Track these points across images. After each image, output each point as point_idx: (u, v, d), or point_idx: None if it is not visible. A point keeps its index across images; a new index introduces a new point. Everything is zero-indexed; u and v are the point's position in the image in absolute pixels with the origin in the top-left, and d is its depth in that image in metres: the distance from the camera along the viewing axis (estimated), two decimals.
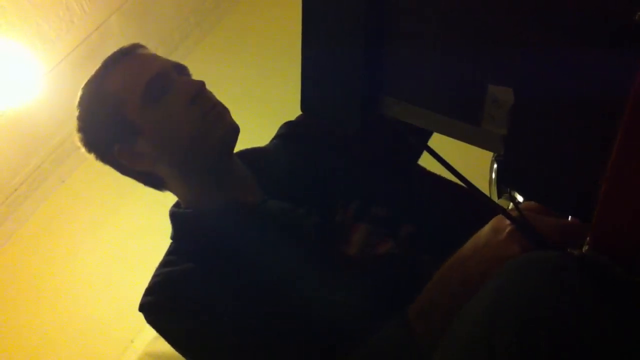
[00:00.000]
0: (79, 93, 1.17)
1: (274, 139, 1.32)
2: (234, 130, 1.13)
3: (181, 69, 1.17)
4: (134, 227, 2.59)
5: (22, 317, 2.51)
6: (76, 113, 1.17)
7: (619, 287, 0.60)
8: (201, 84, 1.12)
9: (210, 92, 1.15)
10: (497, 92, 0.63)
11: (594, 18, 0.55)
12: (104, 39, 2.59)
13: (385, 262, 1.08)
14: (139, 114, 1.10)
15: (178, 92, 1.10)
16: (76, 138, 1.19)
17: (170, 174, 1.15)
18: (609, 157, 0.56)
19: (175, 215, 1.15)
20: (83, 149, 1.18)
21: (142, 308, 1.05)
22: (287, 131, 1.31)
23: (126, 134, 1.11)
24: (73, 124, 1.18)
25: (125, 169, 1.17)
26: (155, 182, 1.18)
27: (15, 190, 2.59)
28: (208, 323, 0.99)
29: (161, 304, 1.04)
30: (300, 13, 0.71)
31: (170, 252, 1.11)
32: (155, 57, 1.18)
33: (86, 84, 1.17)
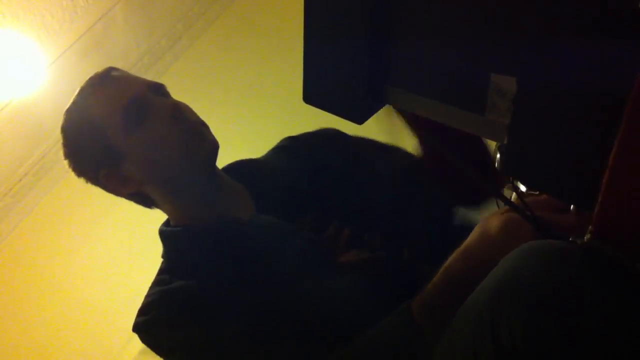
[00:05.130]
0: (61, 120, 1.18)
1: (273, 149, 1.33)
2: (214, 147, 1.14)
3: (158, 88, 1.17)
4: (138, 216, 2.59)
5: (26, 307, 2.53)
6: (61, 140, 1.18)
7: (621, 274, 0.61)
8: (177, 104, 1.14)
9: (189, 110, 1.16)
10: (501, 82, 0.63)
11: (597, 7, 0.55)
12: (107, 29, 2.59)
13: (376, 264, 1.10)
14: (121, 139, 1.11)
15: (157, 113, 1.11)
16: (65, 163, 1.20)
17: (158, 193, 1.16)
18: (611, 146, 0.56)
19: (165, 234, 1.16)
20: (72, 174, 1.19)
21: (137, 328, 1.06)
22: (289, 144, 1.32)
23: (111, 159, 1.13)
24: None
25: (114, 191, 1.18)
26: (145, 201, 1.20)
27: (20, 180, 2.60)
28: (204, 339, 1.00)
29: (156, 323, 1.04)
30: (303, 3, 0.71)
31: (162, 271, 1.12)
32: (130, 80, 1.18)
33: (67, 111, 1.17)
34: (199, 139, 1.12)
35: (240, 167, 1.25)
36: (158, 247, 1.22)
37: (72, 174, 1.19)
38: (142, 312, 1.06)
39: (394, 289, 1.03)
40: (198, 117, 1.16)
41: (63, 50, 2.48)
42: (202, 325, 1.00)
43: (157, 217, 1.21)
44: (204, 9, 3.07)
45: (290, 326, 0.99)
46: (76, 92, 1.17)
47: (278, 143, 1.33)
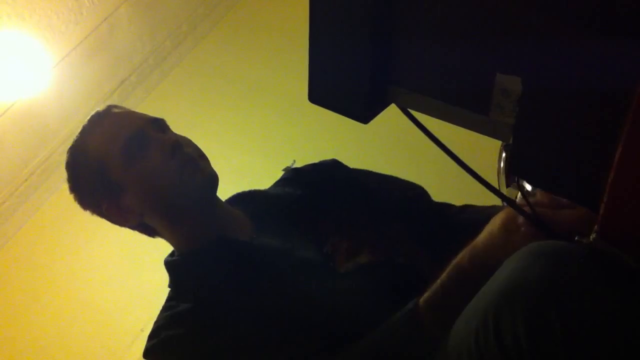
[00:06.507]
0: (66, 156, 1.22)
1: (277, 181, 1.36)
2: (213, 179, 1.17)
3: (158, 123, 1.21)
4: None
5: (32, 307, 2.53)
6: (65, 175, 1.22)
7: (626, 273, 0.61)
8: (177, 138, 1.18)
9: (189, 144, 1.20)
10: (506, 82, 0.63)
11: (602, 7, 0.55)
12: (112, 31, 2.59)
13: (376, 267, 1.12)
14: (121, 173, 1.16)
15: (155, 148, 1.15)
16: (72, 197, 1.24)
17: (159, 223, 1.20)
18: (616, 146, 0.56)
19: (170, 264, 1.19)
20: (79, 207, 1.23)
21: (147, 352, 1.08)
22: (290, 175, 1.35)
23: (112, 192, 1.17)
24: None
25: (118, 223, 1.23)
26: (148, 231, 1.23)
27: (25, 181, 2.60)
28: (212, 347, 1.02)
29: (167, 343, 1.06)
30: (308, 5, 0.72)
31: (169, 299, 1.15)
32: (130, 116, 1.24)
33: (70, 148, 1.22)
34: (195, 171, 1.15)
35: (244, 197, 1.29)
36: (161, 250, 1.23)
37: None
38: (152, 336, 1.08)
39: (396, 291, 1.03)
40: (198, 151, 1.20)
41: (68, 51, 2.48)
42: (210, 334, 1.03)
43: None
44: (208, 10, 3.08)
45: (295, 329, 1.00)
46: (79, 130, 1.21)
47: (282, 175, 1.37)
